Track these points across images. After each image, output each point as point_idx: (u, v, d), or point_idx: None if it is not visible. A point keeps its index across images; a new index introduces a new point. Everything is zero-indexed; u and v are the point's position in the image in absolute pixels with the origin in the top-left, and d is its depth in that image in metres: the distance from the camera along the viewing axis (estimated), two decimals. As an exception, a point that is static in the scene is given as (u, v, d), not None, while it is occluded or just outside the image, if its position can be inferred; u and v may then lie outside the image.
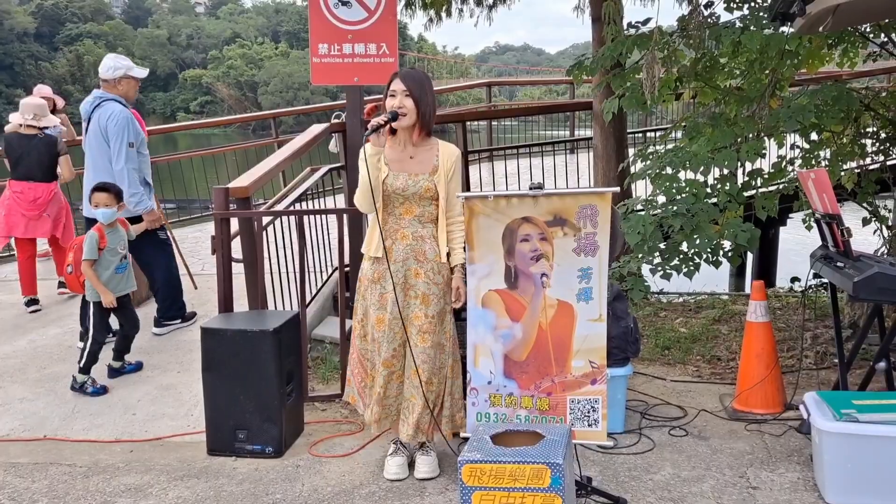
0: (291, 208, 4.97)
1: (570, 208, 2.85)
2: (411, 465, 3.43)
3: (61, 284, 6.07)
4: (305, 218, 4.61)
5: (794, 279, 6.76)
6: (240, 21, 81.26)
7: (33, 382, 4.52)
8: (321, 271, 5.64)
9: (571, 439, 2.42)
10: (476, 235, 3.00)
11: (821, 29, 3.32)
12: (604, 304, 2.89)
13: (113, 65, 4.94)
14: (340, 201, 6.29)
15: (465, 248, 3.14)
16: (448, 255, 3.20)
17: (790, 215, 8.31)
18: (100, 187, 4.46)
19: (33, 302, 5.84)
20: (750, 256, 9.31)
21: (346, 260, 5.75)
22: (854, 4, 3.10)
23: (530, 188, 2.89)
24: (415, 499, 3.20)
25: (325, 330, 5.11)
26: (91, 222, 4.64)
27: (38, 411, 4.19)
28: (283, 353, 3.69)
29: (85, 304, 4.68)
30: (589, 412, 2.93)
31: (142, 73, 5.11)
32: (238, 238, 4.30)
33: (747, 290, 8.16)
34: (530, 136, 13.33)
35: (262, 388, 3.65)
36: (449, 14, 7.43)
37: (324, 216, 5.48)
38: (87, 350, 4.38)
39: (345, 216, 4.40)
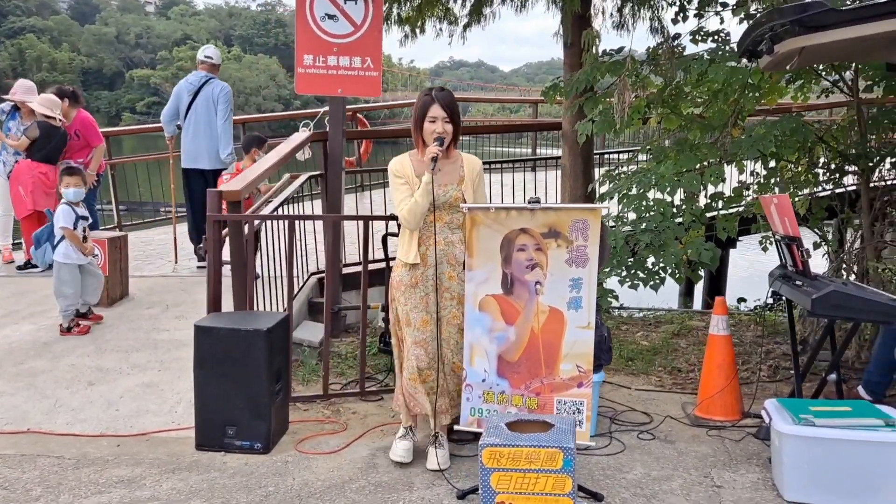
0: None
1: (563, 222, 3.08)
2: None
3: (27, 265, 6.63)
4: (285, 223, 4.74)
5: (741, 299, 7.16)
6: (191, 23, 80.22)
7: (11, 377, 4.52)
8: (297, 277, 5.75)
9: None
10: (476, 244, 3.21)
11: (788, 67, 3.64)
12: (592, 312, 3.12)
13: (218, 53, 6.82)
14: (318, 208, 6.43)
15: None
16: None
17: (740, 238, 8.75)
18: None
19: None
20: (701, 275, 9.75)
21: (322, 266, 5.90)
22: (818, 47, 3.42)
23: (528, 202, 3.12)
24: (404, 493, 3.36)
25: (302, 333, 5.22)
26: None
27: (19, 405, 4.21)
28: (273, 352, 3.81)
29: None
30: (574, 413, 3.14)
31: None
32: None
33: (695, 308, 8.57)
34: (484, 151, 13.61)
35: (253, 385, 3.76)
36: (423, 31, 7.62)
37: (300, 224, 5.62)
38: None
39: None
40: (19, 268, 6.59)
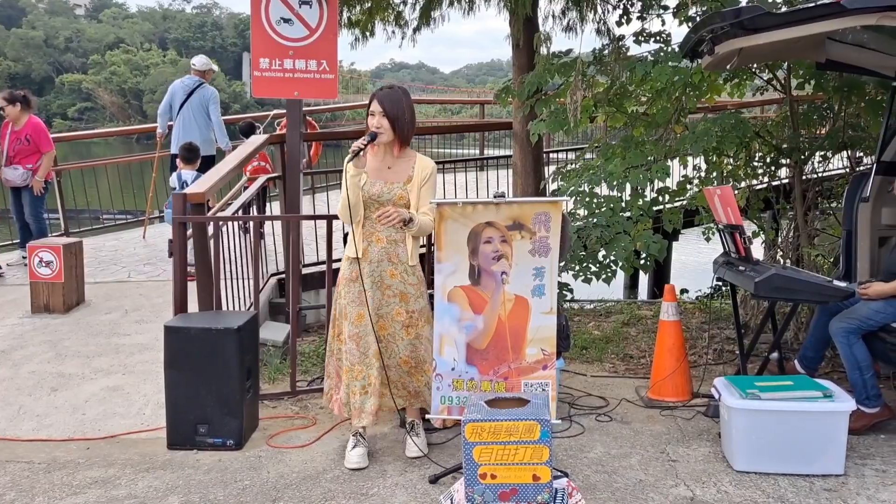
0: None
1: (527, 214, 3.26)
2: (370, 455, 3.72)
3: None
4: (242, 224, 4.82)
5: (683, 290, 7.51)
6: (124, 25, 78.16)
7: (-31, 386, 4.47)
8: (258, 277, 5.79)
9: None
10: (444, 237, 3.35)
11: (728, 67, 3.90)
12: (554, 298, 3.31)
13: (206, 62, 8.18)
14: (275, 209, 6.48)
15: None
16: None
17: (682, 231, 9.12)
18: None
19: None
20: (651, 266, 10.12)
21: (280, 267, 5.96)
22: (755, 48, 3.68)
23: (494, 196, 3.28)
24: (378, 480, 3.48)
25: (265, 333, 5.27)
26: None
27: (-19, 413, 4.18)
28: (244, 350, 3.89)
29: None
30: (540, 394, 3.31)
31: (215, 66, 8.50)
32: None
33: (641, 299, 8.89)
34: (427, 153, 13.67)
35: (225, 383, 3.82)
36: (373, 34, 7.73)
37: (258, 225, 5.67)
38: None
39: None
40: None
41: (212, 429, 3.83)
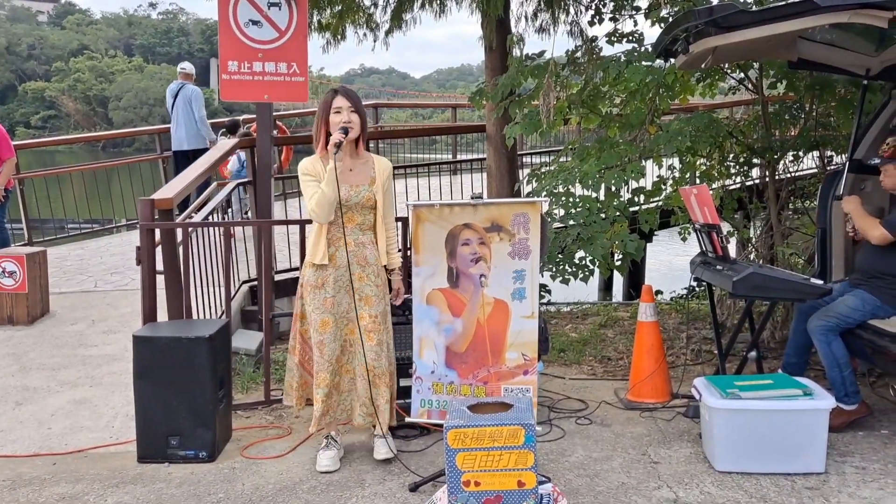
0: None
1: (505, 216, 3.20)
2: (342, 458, 3.67)
3: None
4: (212, 231, 4.71)
5: (658, 292, 7.53)
6: (88, 32, 77.05)
7: (-71, 402, 4.30)
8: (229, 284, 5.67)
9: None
10: (421, 240, 3.29)
11: (703, 66, 3.89)
12: (535, 302, 3.25)
13: (191, 67, 9.21)
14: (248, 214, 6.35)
15: (400, 251, 3.43)
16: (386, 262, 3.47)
17: (656, 233, 9.15)
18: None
19: None
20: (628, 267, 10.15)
21: (252, 274, 5.85)
22: (728, 46, 3.67)
23: (471, 198, 3.22)
24: (356, 490, 3.40)
25: (238, 342, 5.16)
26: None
27: (-58, 430, 4.02)
28: (216, 359, 3.78)
29: None
30: (522, 398, 3.26)
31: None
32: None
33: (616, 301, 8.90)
34: (400, 158, 13.61)
35: (197, 393, 3.71)
36: (344, 38, 7.65)
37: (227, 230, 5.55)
38: None
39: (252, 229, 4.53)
40: None
41: (183, 441, 3.72)
